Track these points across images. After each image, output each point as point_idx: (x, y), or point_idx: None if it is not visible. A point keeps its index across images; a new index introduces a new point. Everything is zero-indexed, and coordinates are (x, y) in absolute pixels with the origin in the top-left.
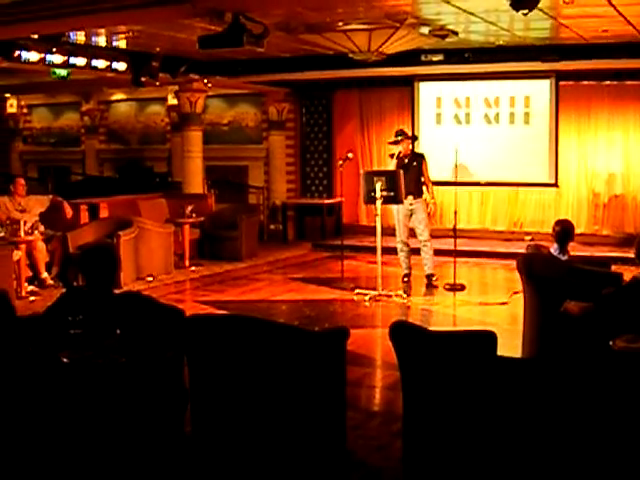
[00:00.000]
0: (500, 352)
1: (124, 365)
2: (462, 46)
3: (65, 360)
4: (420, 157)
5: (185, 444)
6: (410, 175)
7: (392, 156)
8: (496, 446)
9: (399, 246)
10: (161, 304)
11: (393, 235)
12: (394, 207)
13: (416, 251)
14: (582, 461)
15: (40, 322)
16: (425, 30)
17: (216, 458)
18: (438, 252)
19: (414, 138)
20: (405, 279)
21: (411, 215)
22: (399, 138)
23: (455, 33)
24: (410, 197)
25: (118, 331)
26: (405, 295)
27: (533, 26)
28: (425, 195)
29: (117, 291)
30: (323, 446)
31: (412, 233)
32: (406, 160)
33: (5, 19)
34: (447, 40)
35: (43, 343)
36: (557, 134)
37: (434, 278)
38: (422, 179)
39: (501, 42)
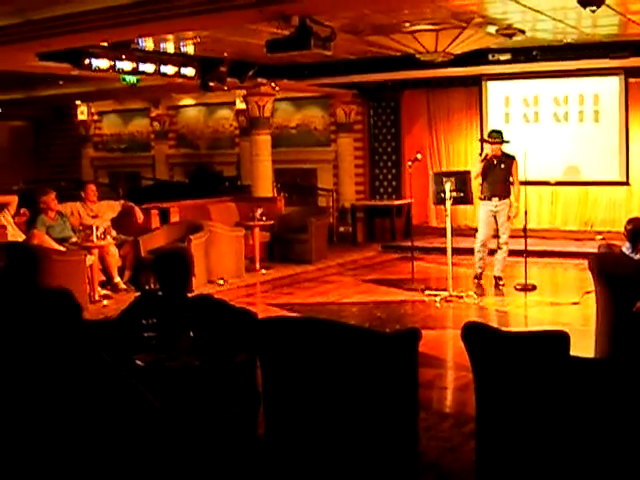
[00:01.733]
0: (573, 352)
1: (197, 368)
2: (529, 44)
3: (139, 363)
4: (510, 159)
5: (258, 447)
6: (497, 177)
7: (481, 155)
8: (569, 448)
9: (477, 246)
10: (233, 307)
11: (463, 235)
12: (480, 208)
13: (491, 252)
14: None
15: (114, 325)
16: (492, 29)
17: (289, 460)
18: (509, 252)
19: (506, 141)
20: (477, 279)
21: (495, 217)
22: (497, 139)
23: (522, 32)
24: (495, 199)
25: (191, 334)
26: (476, 296)
27: (601, 23)
28: (511, 197)
29: (189, 295)
30: (395, 448)
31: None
32: (495, 161)
33: (75, 28)
34: (514, 39)
35: (117, 346)
36: (627, 131)
37: (501, 282)
38: (510, 180)
39: (569, 40)
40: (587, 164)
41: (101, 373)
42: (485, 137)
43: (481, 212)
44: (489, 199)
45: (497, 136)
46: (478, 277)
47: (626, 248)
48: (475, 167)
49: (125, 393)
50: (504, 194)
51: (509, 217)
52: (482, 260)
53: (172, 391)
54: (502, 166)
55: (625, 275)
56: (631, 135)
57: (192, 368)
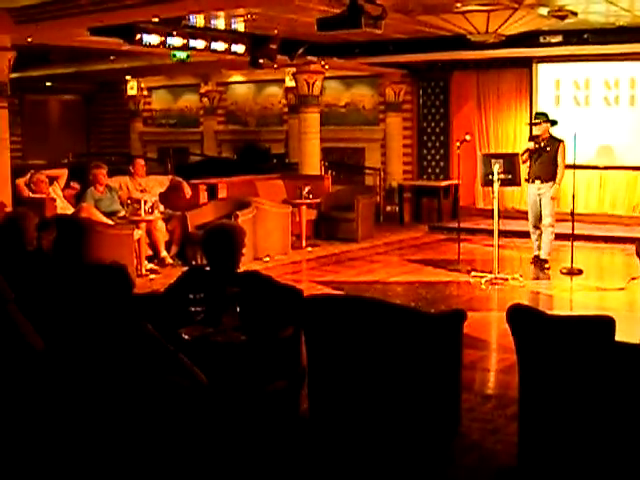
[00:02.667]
0: (618, 338)
1: (243, 343)
2: (581, 27)
3: (186, 337)
4: (558, 142)
5: (302, 422)
6: (542, 159)
7: (531, 139)
8: (612, 432)
9: (530, 229)
10: (280, 283)
11: (510, 218)
12: (528, 190)
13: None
14: None
15: (161, 299)
16: (544, 11)
17: (332, 435)
18: (555, 236)
19: (554, 122)
20: (533, 260)
21: (539, 199)
22: (537, 121)
23: (574, 14)
24: (537, 181)
25: (238, 309)
26: (522, 278)
27: None
28: (557, 179)
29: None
30: (438, 428)
31: None
32: (542, 144)
33: (127, 2)
34: (566, 21)
35: (164, 320)
36: None
37: (546, 265)
38: (557, 163)
39: (621, 23)
40: (637, 148)
41: (150, 347)
42: (534, 120)
43: (528, 194)
44: (532, 181)
45: (541, 117)
46: (536, 258)
47: None
48: (522, 154)
49: (172, 367)
50: (548, 177)
51: (552, 198)
52: (537, 242)
53: (218, 366)
54: (548, 149)
55: None
56: None
57: (238, 343)
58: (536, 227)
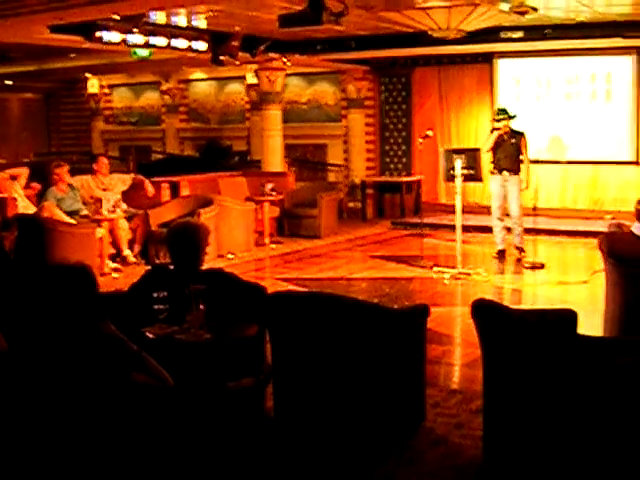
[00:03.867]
0: (581, 331)
1: (208, 341)
2: (542, 23)
3: (150, 336)
4: (520, 135)
5: (267, 420)
6: (507, 151)
7: (492, 131)
8: (576, 425)
9: (493, 221)
10: (244, 281)
11: (472, 213)
12: (491, 182)
13: (508, 230)
14: None
15: (125, 298)
16: (505, 7)
17: (297, 433)
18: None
19: (513, 117)
20: (496, 255)
21: (505, 191)
22: (500, 117)
23: (535, 9)
24: (505, 173)
25: (202, 307)
26: (485, 273)
27: (614, 2)
28: (522, 173)
29: (201, 268)
30: (402, 423)
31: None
32: (505, 137)
33: (87, 0)
34: (527, 17)
35: (128, 319)
36: (639, 111)
37: (523, 253)
38: (520, 157)
39: (582, 18)
40: (598, 143)
41: (113, 346)
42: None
43: (492, 186)
44: (499, 173)
45: (502, 114)
46: (500, 253)
47: (636, 228)
48: (487, 141)
49: (137, 366)
50: (514, 169)
51: (520, 190)
52: (501, 235)
53: (182, 364)
54: (512, 141)
55: (634, 255)
56: None
57: (202, 341)
58: (500, 220)
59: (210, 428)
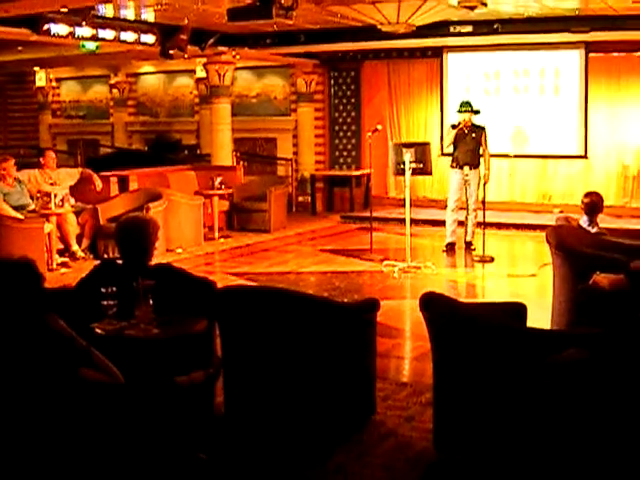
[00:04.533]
0: (529, 324)
1: (157, 336)
2: (491, 17)
3: (99, 331)
4: (480, 129)
5: (217, 415)
6: (468, 146)
7: (453, 126)
8: (525, 418)
9: (447, 213)
10: (193, 276)
11: (421, 207)
12: (451, 176)
13: (460, 224)
14: (610, 430)
15: (73, 294)
16: (454, 1)
17: (247, 427)
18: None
19: (476, 112)
20: (446, 248)
21: (465, 185)
22: (463, 109)
23: (484, 4)
24: (466, 167)
25: (151, 302)
26: (434, 266)
27: None
28: (481, 166)
29: (149, 263)
30: (353, 416)
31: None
32: (466, 131)
33: None
34: (476, 11)
35: (76, 315)
36: (587, 106)
37: (472, 246)
38: (480, 151)
39: (530, 13)
40: (546, 137)
41: (61, 341)
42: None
43: (452, 179)
44: (460, 167)
45: (465, 106)
46: (449, 245)
47: (583, 221)
48: (448, 136)
49: (85, 361)
50: (474, 163)
51: (482, 184)
52: (452, 228)
53: (132, 359)
54: (473, 135)
55: (582, 248)
56: (590, 109)
57: (151, 337)
58: (455, 212)
59: (160, 423)
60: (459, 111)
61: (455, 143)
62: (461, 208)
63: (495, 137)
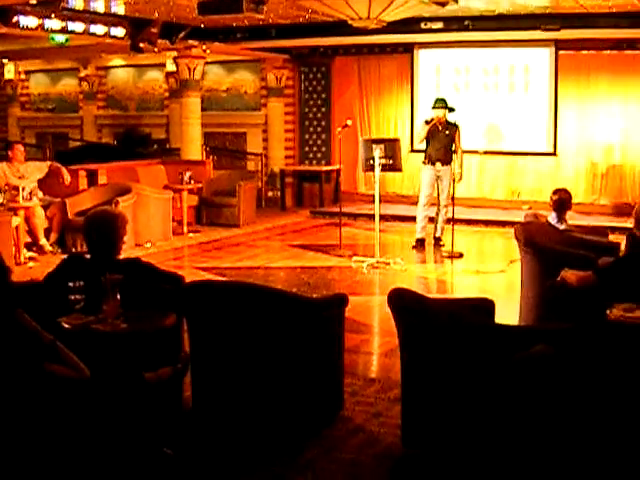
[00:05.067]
0: (497, 320)
1: (125, 331)
2: (462, 14)
3: (66, 326)
4: (454, 127)
5: (184, 409)
6: (440, 143)
7: (427, 122)
8: (493, 413)
9: (419, 209)
10: (161, 270)
11: (391, 202)
12: (423, 172)
13: (430, 220)
14: (578, 430)
15: (41, 288)
16: None
17: (214, 421)
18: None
19: (451, 109)
20: (415, 244)
21: (437, 181)
22: (438, 105)
23: (455, 1)
24: (438, 164)
25: (118, 296)
26: (402, 262)
27: None
28: (453, 164)
29: (118, 257)
30: (321, 412)
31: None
32: (439, 127)
33: None
34: (447, 8)
35: (43, 309)
36: (556, 103)
37: (441, 242)
38: (453, 148)
39: (501, 10)
40: (516, 134)
41: (26, 335)
42: (432, 105)
43: (424, 175)
44: (432, 164)
45: (440, 102)
46: (419, 242)
47: (552, 218)
48: (422, 131)
49: (50, 356)
50: (447, 160)
51: (453, 181)
52: (422, 224)
53: (99, 354)
54: (446, 132)
55: (550, 244)
56: (560, 107)
57: (119, 331)
58: (426, 208)
59: (126, 418)
60: (434, 107)
61: (428, 139)
62: (432, 204)
63: (464, 134)
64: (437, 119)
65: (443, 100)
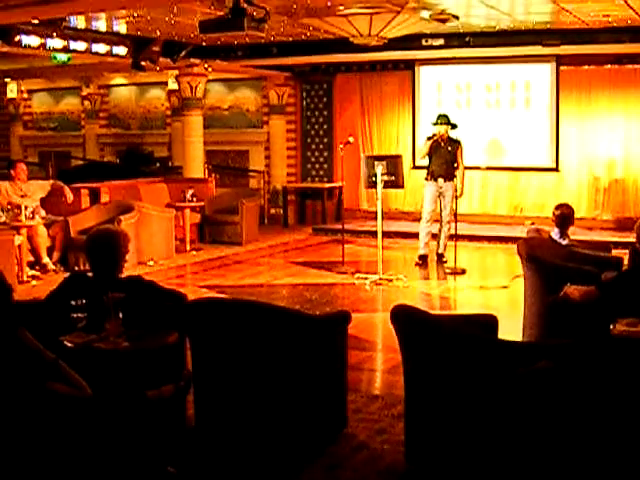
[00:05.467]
0: (501, 335)
1: (127, 349)
2: (463, 30)
3: (68, 344)
4: (456, 143)
5: (188, 428)
6: (443, 158)
7: (429, 138)
8: (496, 429)
9: (422, 225)
10: (163, 288)
11: (393, 219)
12: (426, 188)
13: (433, 236)
14: (580, 442)
15: (43, 306)
16: (426, 14)
17: (218, 439)
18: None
19: (454, 125)
20: (419, 261)
21: (439, 197)
22: (440, 121)
23: (456, 17)
24: (440, 180)
25: (121, 315)
26: (405, 279)
27: (534, 10)
28: (456, 180)
29: (120, 276)
30: (324, 429)
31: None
32: (442, 143)
33: (5, 3)
34: (448, 24)
35: (45, 327)
36: (558, 119)
37: (444, 258)
38: (455, 164)
39: (502, 26)
40: (518, 150)
41: (28, 354)
42: (434, 121)
43: (427, 191)
44: (435, 179)
45: (442, 119)
46: (422, 258)
47: (554, 233)
48: (423, 147)
49: (53, 374)
50: (449, 176)
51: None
52: (426, 240)
53: (101, 373)
54: (449, 149)
55: (553, 260)
56: (561, 122)
57: (121, 350)
58: (429, 224)
59: (130, 437)
60: (435, 123)
61: (430, 155)
62: (435, 220)
63: (466, 150)
64: (439, 135)
65: (445, 116)
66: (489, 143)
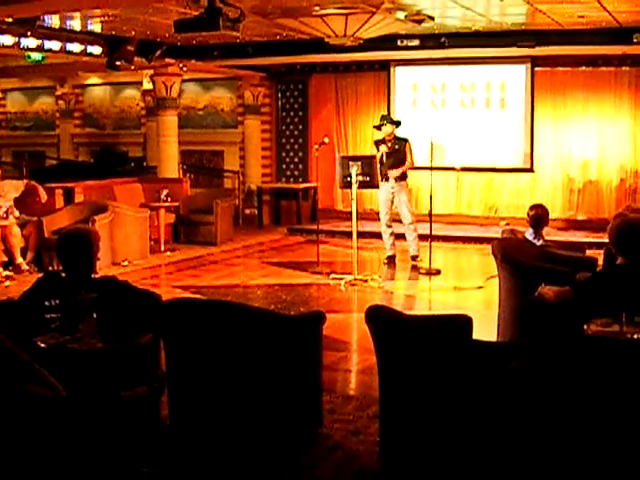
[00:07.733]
0: (475, 336)
1: (101, 350)
2: (438, 31)
3: (42, 345)
4: (403, 141)
5: (162, 429)
6: (392, 159)
7: (377, 142)
8: (471, 429)
9: (382, 228)
10: (137, 289)
11: (368, 219)
12: (379, 191)
13: (401, 236)
14: (553, 442)
15: (16, 307)
16: (401, 15)
17: (194, 442)
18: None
19: (397, 123)
20: (386, 261)
21: (393, 198)
22: (381, 123)
23: (431, 18)
24: (392, 180)
25: (95, 316)
26: (381, 279)
27: (509, 11)
28: (407, 179)
29: (93, 276)
30: (299, 430)
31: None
32: (389, 144)
33: None
34: (423, 25)
35: (19, 328)
36: (532, 120)
37: (418, 259)
38: (406, 163)
39: (477, 27)
40: (493, 151)
41: (1, 356)
42: (377, 123)
43: (380, 193)
44: (387, 180)
45: (382, 120)
46: (389, 258)
47: (529, 234)
48: (381, 151)
49: (27, 376)
50: (401, 175)
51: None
52: (390, 241)
53: (75, 374)
54: (396, 147)
55: (527, 260)
56: (536, 123)
57: (95, 350)
58: (388, 226)
59: (104, 438)
60: (379, 125)
61: (381, 156)
62: (396, 220)
63: (441, 150)
64: (386, 135)
65: (385, 117)
66: (464, 143)
